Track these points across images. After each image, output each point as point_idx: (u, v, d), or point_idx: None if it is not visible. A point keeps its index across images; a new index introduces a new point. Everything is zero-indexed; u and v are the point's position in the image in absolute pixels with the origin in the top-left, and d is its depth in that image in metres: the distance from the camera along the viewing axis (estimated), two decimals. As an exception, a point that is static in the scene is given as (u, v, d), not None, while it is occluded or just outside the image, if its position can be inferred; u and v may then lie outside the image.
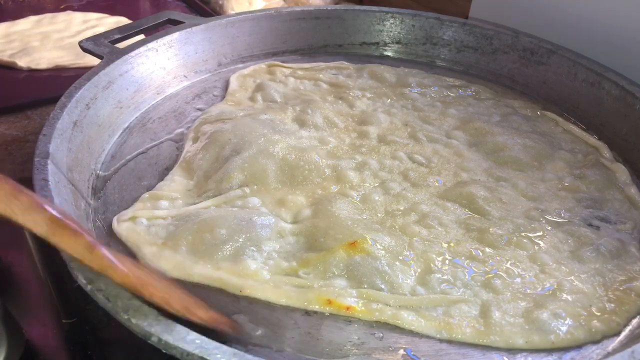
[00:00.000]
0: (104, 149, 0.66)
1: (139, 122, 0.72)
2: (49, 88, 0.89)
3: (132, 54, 0.73)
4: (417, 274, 0.51)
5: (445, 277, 0.51)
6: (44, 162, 0.52)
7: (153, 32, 0.81)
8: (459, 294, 0.50)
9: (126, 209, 0.57)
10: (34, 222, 0.35)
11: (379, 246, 0.52)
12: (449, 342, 0.47)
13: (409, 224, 0.57)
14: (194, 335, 0.37)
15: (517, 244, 0.56)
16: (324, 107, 0.75)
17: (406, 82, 0.84)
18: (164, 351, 0.37)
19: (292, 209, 0.58)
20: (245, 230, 0.53)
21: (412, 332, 0.47)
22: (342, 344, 0.46)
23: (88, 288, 0.40)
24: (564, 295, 0.51)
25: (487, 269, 0.53)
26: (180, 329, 0.37)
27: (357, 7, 0.94)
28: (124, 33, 0.78)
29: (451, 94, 0.83)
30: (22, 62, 0.94)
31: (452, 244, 0.55)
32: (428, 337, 0.47)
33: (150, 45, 0.76)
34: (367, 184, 0.62)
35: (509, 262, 0.54)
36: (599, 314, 0.50)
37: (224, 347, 0.36)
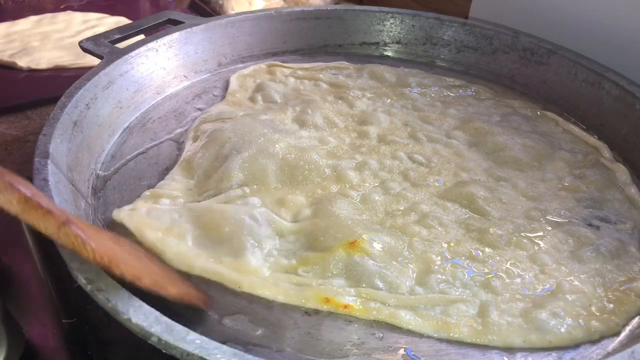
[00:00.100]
0: (104, 149, 0.66)
1: (139, 122, 0.72)
2: (49, 88, 0.89)
3: (132, 54, 0.73)
4: (416, 274, 0.52)
5: (444, 277, 0.51)
6: (44, 162, 0.52)
7: (153, 32, 0.81)
8: (457, 293, 0.50)
9: (126, 209, 0.57)
10: (7, 202, 0.36)
11: (378, 246, 0.52)
12: (449, 342, 0.47)
13: (409, 223, 0.57)
14: (194, 335, 0.37)
15: (517, 244, 0.56)
16: (324, 107, 0.75)
17: (406, 82, 0.84)
18: (164, 351, 0.37)
19: (292, 209, 0.58)
20: (247, 227, 0.53)
21: (412, 332, 0.47)
22: (342, 344, 0.46)
23: (88, 288, 0.40)
24: (564, 295, 0.50)
25: (486, 269, 0.53)
26: (181, 329, 0.37)
27: (357, 7, 0.94)
28: (124, 33, 0.78)
29: (451, 94, 0.83)
30: (22, 62, 0.94)
31: (452, 244, 0.55)
32: (428, 337, 0.47)
33: (150, 45, 0.76)
34: (367, 184, 0.62)
35: (509, 262, 0.54)
36: (598, 314, 0.50)
37: (224, 347, 0.36)
